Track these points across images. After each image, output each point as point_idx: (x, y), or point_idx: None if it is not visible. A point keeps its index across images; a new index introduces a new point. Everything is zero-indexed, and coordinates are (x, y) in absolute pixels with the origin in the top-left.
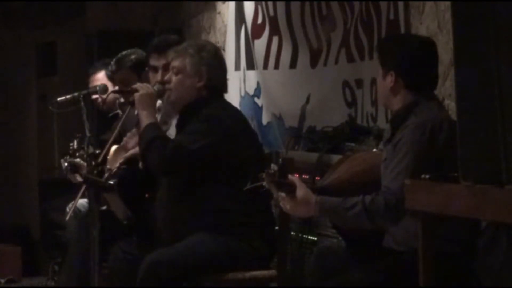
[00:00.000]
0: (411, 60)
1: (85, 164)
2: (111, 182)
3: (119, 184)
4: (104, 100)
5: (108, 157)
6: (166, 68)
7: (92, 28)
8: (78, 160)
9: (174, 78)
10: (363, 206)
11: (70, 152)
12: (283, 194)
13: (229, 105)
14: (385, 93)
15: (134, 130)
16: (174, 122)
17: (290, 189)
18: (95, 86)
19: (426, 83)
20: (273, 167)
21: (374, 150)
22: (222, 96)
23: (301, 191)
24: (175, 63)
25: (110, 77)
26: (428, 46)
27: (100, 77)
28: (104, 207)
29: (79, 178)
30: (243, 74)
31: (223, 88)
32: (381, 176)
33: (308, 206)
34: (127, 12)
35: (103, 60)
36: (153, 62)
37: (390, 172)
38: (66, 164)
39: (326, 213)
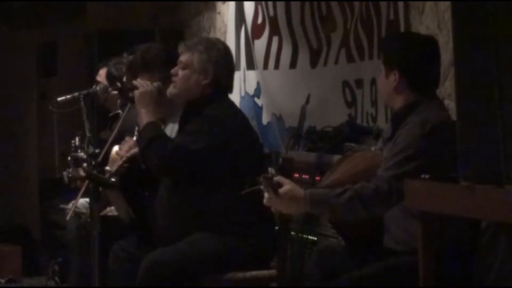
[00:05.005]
0: (416, 59)
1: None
2: (113, 179)
3: (121, 182)
4: (105, 99)
5: (110, 160)
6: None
7: (92, 28)
8: (82, 154)
9: (180, 72)
10: (353, 191)
11: (72, 148)
12: (269, 195)
13: (232, 105)
14: (388, 92)
15: (127, 137)
16: (177, 119)
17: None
18: (96, 86)
19: (430, 82)
20: (271, 170)
21: (372, 148)
22: (227, 96)
23: (285, 187)
24: (183, 58)
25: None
26: (431, 45)
27: None
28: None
29: (82, 173)
30: (243, 74)
31: (229, 87)
32: None
33: (297, 201)
34: (127, 12)
35: (116, 58)
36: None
37: (385, 163)
38: (67, 172)
39: (318, 205)
